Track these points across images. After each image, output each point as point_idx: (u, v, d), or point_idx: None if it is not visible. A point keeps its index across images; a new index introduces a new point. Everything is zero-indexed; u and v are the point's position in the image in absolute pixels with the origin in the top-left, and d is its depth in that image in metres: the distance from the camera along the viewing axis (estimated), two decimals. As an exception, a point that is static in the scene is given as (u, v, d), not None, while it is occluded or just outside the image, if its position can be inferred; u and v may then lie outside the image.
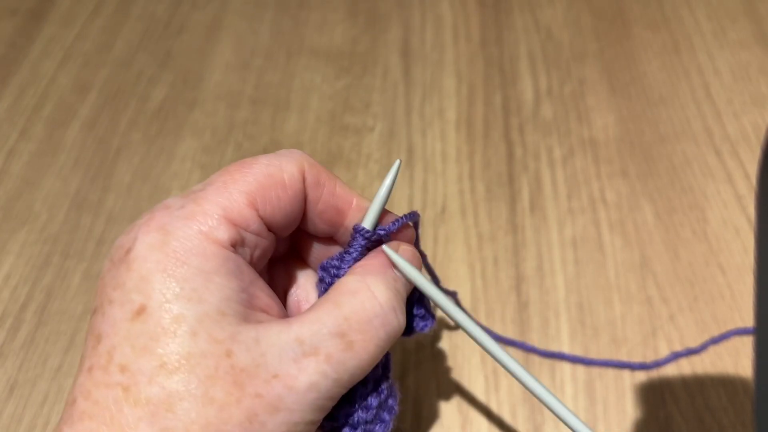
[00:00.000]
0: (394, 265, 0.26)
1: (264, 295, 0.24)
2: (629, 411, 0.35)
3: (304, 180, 0.25)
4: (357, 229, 0.26)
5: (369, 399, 0.25)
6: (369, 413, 0.25)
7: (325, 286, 0.26)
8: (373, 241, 0.26)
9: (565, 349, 0.38)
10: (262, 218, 0.24)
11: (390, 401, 0.26)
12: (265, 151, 0.48)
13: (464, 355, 0.38)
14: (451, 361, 0.38)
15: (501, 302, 0.40)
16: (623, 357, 0.37)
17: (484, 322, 0.39)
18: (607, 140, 0.48)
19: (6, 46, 0.57)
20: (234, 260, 0.22)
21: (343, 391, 0.23)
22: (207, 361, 0.21)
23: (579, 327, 0.39)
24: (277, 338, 0.22)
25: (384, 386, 0.26)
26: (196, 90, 0.53)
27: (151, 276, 0.21)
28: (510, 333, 0.38)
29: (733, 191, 0.44)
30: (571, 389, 0.36)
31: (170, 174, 0.47)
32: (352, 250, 0.26)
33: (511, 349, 0.38)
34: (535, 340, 0.38)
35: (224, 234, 0.22)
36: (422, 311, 0.28)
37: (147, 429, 0.20)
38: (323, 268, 0.27)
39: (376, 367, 0.26)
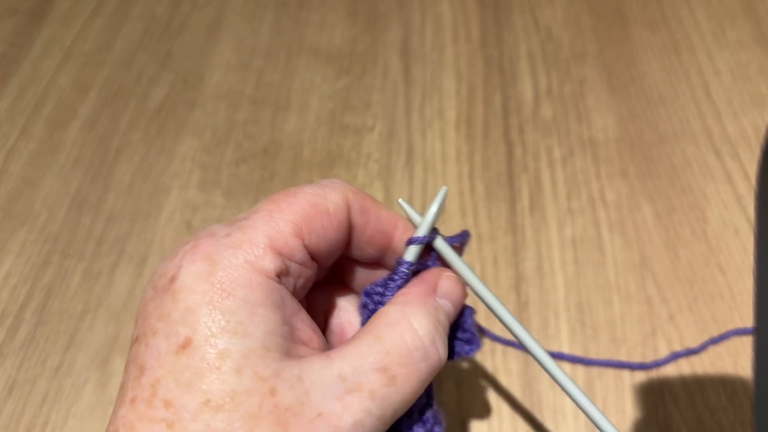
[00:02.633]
0: (447, 265, 0.27)
1: (306, 326, 0.23)
2: (629, 411, 0.35)
3: (348, 209, 0.25)
4: (399, 262, 0.26)
5: (414, 429, 0.25)
6: None
7: (368, 312, 0.26)
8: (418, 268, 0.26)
9: (565, 349, 0.38)
10: (306, 248, 0.23)
11: (436, 429, 0.26)
12: (266, 150, 0.48)
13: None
14: (450, 361, 0.37)
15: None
16: (623, 357, 0.37)
17: (483, 323, 0.39)
18: (607, 140, 0.48)
19: (6, 46, 0.57)
20: (279, 291, 0.22)
21: (387, 427, 0.23)
22: (252, 399, 0.20)
23: (579, 327, 0.39)
24: (319, 375, 0.21)
25: (429, 415, 0.26)
26: (196, 90, 0.53)
27: (197, 308, 0.21)
28: (509, 332, 0.38)
29: (732, 191, 0.44)
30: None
31: (170, 174, 0.47)
32: (396, 277, 0.26)
33: (512, 350, 0.38)
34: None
35: (270, 264, 0.22)
36: (467, 335, 0.28)
37: None
38: (367, 294, 0.26)
39: (420, 396, 0.25)
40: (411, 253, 0.26)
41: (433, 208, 0.27)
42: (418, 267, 0.26)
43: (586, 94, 0.51)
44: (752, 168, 0.45)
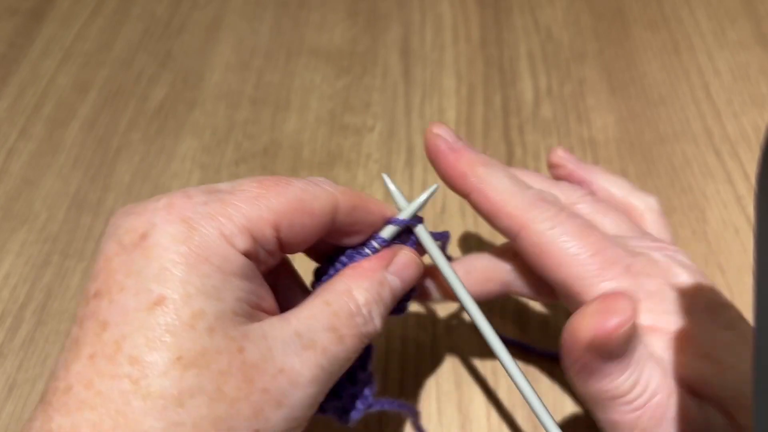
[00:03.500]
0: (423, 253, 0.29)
1: (269, 297, 0.25)
2: (629, 411, 0.35)
3: (334, 212, 0.25)
4: (373, 236, 0.28)
5: (344, 387, 0.27)
6: (343, 400, 0.27)
7: (327, 278, 0.27)
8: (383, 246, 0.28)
9: (565, 349, 0.38)
10: (280, 240, 0.24)
11: (366, 390, 0.28)
12: (266, 150, 0.48)
13: (464, 355, 0.38)
14: (450, 361, 0.38)
15: (501, 302, 0.40)
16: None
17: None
18: (607, 140, 0.48)
19: (6, 46, 0.57)
20: (248, 265, 0.23)
21: (333, 383, 0.25)
22: (221, 357, 0.21)
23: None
24: (280, 333, 0.23)
25: (361, 376, 0.28)
26: (196, 90, 0.53)
27: (173, 268, 0.21)
28: (510, 333, 0.38)
29: (732, 191, 0.44)
30: (571, 389, 0.36)
31: (170, 174, 0.47)
32: (365, 250, 0.28)
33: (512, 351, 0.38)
34: (534, 341, 0.38)
35: (242, 243, 0.22)
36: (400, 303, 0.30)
37: (154, 423, 0.19)
38: (330, 261, 0.28)
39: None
40: (387, 232, 0.28)
41: (422, 197, 0.28)
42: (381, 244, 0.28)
43: (586, 94, 0.51)
44: (752, 168, 0.45)
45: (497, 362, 0.37)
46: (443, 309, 0.39)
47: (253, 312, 0.23)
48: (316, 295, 0.25)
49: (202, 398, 0.20)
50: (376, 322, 0.26)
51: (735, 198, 0.44)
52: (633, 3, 0.58)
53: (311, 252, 0.29)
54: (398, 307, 0.29)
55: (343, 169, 0.47)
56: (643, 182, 0.45)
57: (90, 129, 0.50)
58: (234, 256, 0.22)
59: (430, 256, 0.29)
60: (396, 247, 0.28)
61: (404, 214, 0.28)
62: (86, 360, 0.20)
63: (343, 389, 0.27)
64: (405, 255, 0.28)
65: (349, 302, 0.25)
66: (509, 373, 0.27)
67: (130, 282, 0.21)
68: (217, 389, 0.20)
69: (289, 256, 0.28)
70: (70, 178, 0.47)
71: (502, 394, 0.36)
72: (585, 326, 0.23)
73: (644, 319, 0.26)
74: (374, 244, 0.28)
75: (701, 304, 0.27)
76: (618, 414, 0.24)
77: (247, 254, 0.23)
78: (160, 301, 0.20)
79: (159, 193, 0.47)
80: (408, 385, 0.37)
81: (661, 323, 0.26)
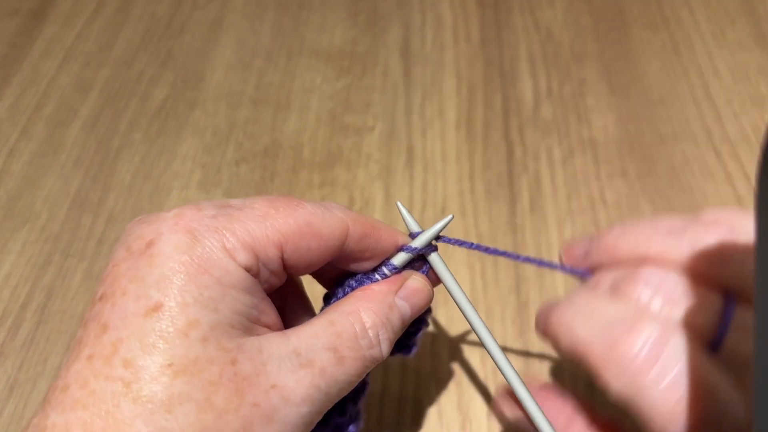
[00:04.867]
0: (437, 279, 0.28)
1: (271, 312, 0.24)
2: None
3: (345, 238, 0.25)
4: (384, 262, 0.27)
5: (333, 416, 0.26)
6: (328, 429, 0.27)
7: (335, 300, 0.27)
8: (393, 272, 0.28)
9: (565, 348, 0.38)
10: (284, 261, 0.24)
11: (351, 427, 0.27)
12: (266, 150, 0.48)
13: (463, 356, 0.38)
14: (450, 361, 0.38)
15: (501, 302, 0.40)
16: (622, 357, 0.37)
17: (483, 322, 0.39)
18: (607, 141, 0.48)
19: (7, 46, 0.57)
20: (250, 280, 0.23)
21: (330, 405, 0.24)
22: (213, 367, 0.21)
23: (578, 327, 0.39)
24: (277, 349, 0.23)
25: (351, 410, 0.27)
26: (196, 90, 0.53)
27: (173, 276, 0.21)
28: (509, 333, 0.39)
29: (732, 192, 0.44)
30: (571, 389, 0.36)
31: (171, 174, 0.47)
32: (375, 276, 0.27)
33: (513, 352, 0.38)
34: (534, 340, 0.38)
35: (243, 259, 0.23)
36: (409, 341, 0.29)
37: (142, 427, 0.20)
38: (341, 285, 0.27)
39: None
40: (398, 259, 0.27)
41: (436, 226, 0.28)
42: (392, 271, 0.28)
43: (586, 95, 0.51)
44: (752, 168, 0.45)
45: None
46: (443, 309, 0.39)
47: (251, 326, 0.23)
48: (321, 314, 0.25)
49: (190, 406, 0.20)
50: (383, 347, 0.25)
51: (735, 198, 0.44)
52: (633, 4, 0.58)
53: (320, 277, 0.29)
54: (407, 343, 0.29)
55: (344, 170, 0.47)
56: (642, 182, 0.45)
57: (91, 129, 0.50)
58: (235, 269, 0.22)
59: (445, 286, 0.28)
60: (407, 272, 0.28)
61: (417, 243, 0.28)
62: (85, 360, 0.21)
63: (330, 418, 0.26)
64: (416, 281, 0.27)
65: (355, 324, 0.24)
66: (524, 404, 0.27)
67: (133, 287, 0.21)
68: (207, 399, 0.20)
69: (301, 278, 0.28)
70: (71, 178, 0.47)
71: (502, 394, 0.36)
72: None
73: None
74: (385, 270, 0.27)
75: None
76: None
77: (248, 270, 0.23)
78: (157, 308, 0.21)
79: (159, 193, 0.48)
80: (408, 385, 0.37)
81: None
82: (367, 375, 0.27)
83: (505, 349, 0.38)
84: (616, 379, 0.24)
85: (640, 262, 0.27)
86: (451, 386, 0.37)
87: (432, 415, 0.36)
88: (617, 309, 0.25)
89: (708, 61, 0.53)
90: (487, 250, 0.30)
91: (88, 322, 0.22)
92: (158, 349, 0.20)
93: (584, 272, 0.30)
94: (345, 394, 0.24)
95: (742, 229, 0.25)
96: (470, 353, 0.38)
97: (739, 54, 0.53)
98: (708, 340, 0.25)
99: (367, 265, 0.27)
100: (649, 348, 0.23)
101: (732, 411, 0.23)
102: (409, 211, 0.29)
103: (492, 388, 0.37)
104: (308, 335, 0.23)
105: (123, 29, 0.58)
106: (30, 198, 0.46)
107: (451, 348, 0.38)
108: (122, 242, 0.23)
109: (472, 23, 0.57)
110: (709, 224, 0.26)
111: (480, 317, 0.28)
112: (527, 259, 0.31)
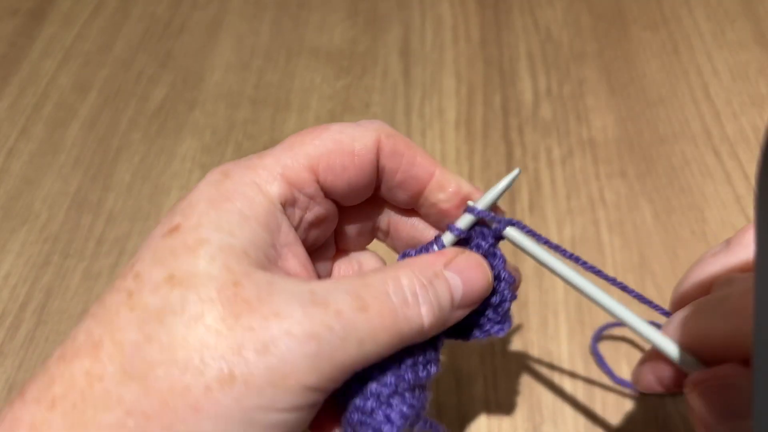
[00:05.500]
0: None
1: (296, 261, 0.23)
2: (628, 412, 0.35)
3: (378, 151, 0.25)
4: (450, 227, 0.26)
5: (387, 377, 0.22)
6: (372, 399, 0.22)
7: None
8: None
9: (564, 348, 0.38)
10: (321, 183, 0.24)
11: (408, 397, 0.22)
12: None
13: (463, 355, 0.38)
14: (449, 361, 0.38)
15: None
16: (623, 357, 0.37)
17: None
18: (606, 140, 0.48)
19: (6, 46, 0.57)
20: (278, 217, 0.23)
21: (349, 366, 0.21)
22: (212, 283, 0.20)
23: (578, 327, 0.39)
24: (290, 285, 0.21)
25: (407, 374, 0.23)
26: (196, 90, 0.53)
27: (197, 203, 0.22)
28: (509, 332, 0.38)
29: (732, 192, 0.44)
30: (570, 389, 0.36)
31: (170, 174, 0.47)
32: (435, 246, 0.25)
33: (512, 350, 0.38)
34: (533, 340, 0.38)
35: (277, 190, 0.23)
36: (498, 317, 0.26)
37: (132, 334, 0.20)
38: (401, 256, 0.26)
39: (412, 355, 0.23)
40: (463, 221, 0.25)
41: (501, 184, 0.25)
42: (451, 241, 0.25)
43: (585, 95, 0.51)
44: (751, 168, 0.45)
45: (497, 362, 0.37)
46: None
47: (268, 264, 0.22)
48: (356, 272, 0.25)
49: (180, 318, 0.20)
50: (422, 311, 0.22)
51: (734, 198, 0.44)
52: (632, 3, 0.58)
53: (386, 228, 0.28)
54: (495, 320, 0.26)
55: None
56: (642, 182, 0.45)
57: (90, 129, 0.50)
58: (260, 203, 0.22)
59: (535, 258, 0.26)
60: (460, 249, 0.25)
61: (481, 203, 0.25)
62: (111, 284, 0.22)
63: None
64: (470, 255, 0.25)
65: (389, 280, 0.22)
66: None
67: (166, 217, 0.23)
68: (199, 313, 0.20)
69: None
70: (70, 178, 0.47)
71: (502, 394, 0.36)
72: None
73: None
74: (444, 240, 0.25)
75: None
76: None
77: (284, 202, 0.23)
78: (175, 228, 0.22)
79: (159, 193, 0.48)
80: (407, 385, 0.37)
81: None
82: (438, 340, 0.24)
83: (505, 349, 0.38)
84: None
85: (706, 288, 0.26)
86: (451, 386, 0.37)
87: (431, 414, 0.36)
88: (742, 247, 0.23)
89: (707, 60, 0.53)
90: (565, 253, 0.27)
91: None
92: (165, 263, 0.21)
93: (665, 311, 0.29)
94: (371, 357, 0.21)
95: None
96: (469, 354, 0.38)
97: (738, 54, 0.53)
98: None
99: (402, 194, 0.26)
100: None
101: None
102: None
103: (492, 388, 0.37)
104: (331, 282, 0.22)
105: (122, 29, 0.58)
106: (29, 198, 0.46)
107: (451, 348, 0.38)
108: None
109: (472, 23, 0.57)
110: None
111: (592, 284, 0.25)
112: (613, 281, 0.28)
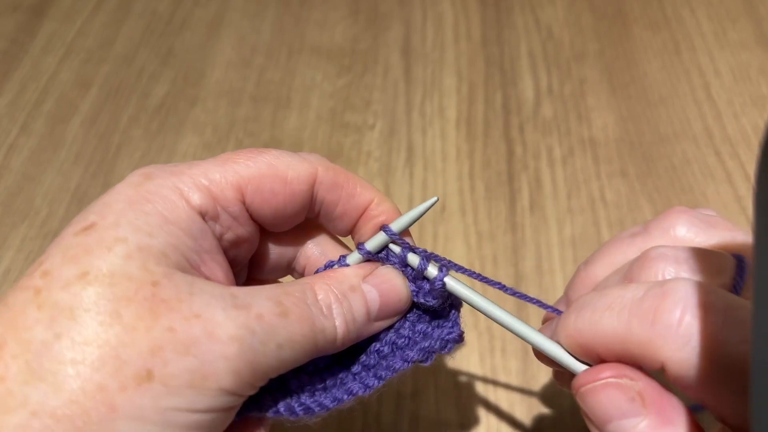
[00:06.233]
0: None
1: (219, 269, 0.23)
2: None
3: (317, 184, 0.25)
4: (359, 246, 0.26)
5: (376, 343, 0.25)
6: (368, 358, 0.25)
7: None
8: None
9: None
10: (248, 205, 0.24)
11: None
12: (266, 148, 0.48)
13: (462, 354, 0.38)
14: (449, 360, 0.38)
15: (500, 301, 0.40)
16: (621, 356, 0.37)
17: (482, 321, 0.39)
18: (607, 140, 0.48)
19: (7, 42, 0.57)
20: (200, 225, 0.22)
21: (266, 371, 0.21)
22: (130, 283, 0.20)
23: (577, 326, 0.39)
24: (211, 287, 0.21)
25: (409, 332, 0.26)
26: (197, 87, 0.53)
27: (115, 203, 0.21)
28: (509, 333, 0.38)
29: (732, 192, 0.44)
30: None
31: (170, 170, 0.47)
32: (343, 260, 0.26)
33: (511, 349, 0.38)
34: (533, 339, 0.38)
35: (198, 199, 0.22)
36: (447, 333, 0.28)
37: (41, 333, 0.19)
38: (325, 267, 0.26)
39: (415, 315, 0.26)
40: (372, 243, 0.26)
41: (418, 209, 0.26)
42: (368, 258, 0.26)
43: (586, 94, 0.51)
44: (752, 169, 0.45)
45: (497, 362, 0.37)
46: (442, 307, 0.39)
47: (189, 268, 0.22)
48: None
49: (94, 316, 0.19)
50: (336, 322, 0.23)
51: (735, 198, 0.44)
52: (634, 3, 0.58)
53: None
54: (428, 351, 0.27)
55: (344, 167, 0.47)
56: (642, 182, 0.45)
57: (91, 125, 0.50)
58: (183, 208, 0.22)
59: (470, 303, 0.27)
60: (378, 263, 0.26)
61: (396, 225, 0.25)
62: (15, 284, 0.21)
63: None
64: (387, 269, 0.25)
65: (306, 290, 0.23)
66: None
67: (78, 217, 0.22)
68: (114, 311, 0.19)
69: None
70: (70, 174, 0.47)
71: (501, 394, 0.36)
72: None
73: None
74: (359, 255, 0.25)
75: None
76: None
77: (204, 213, 0.23)
78: (89, 227, 0.21)
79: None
80: (406, 384, 0.37)
81: None
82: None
83: (504, 348, 0.38)
84: (678, 351, 0.19)
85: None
86: (450, 385, 0.37)
87: (431, 414, 0.36)
88: (637, 287, 0.21)
89: (709, 60, 0.53)
90: (486, 281, 0.28)
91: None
92: (77, 260, 0.20)
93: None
94: (288, 362, 0.22)
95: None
96: (469, 353, 0.38)
97: (740, 54, 0.53)
98: None
99: (341, 224, 0.26)
100: (691, 306, 0.20)
101: None
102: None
103: (491, 388, 0.37)
104: (251, 287, 0.22)
105: (123, 26, 0.58)
106: (29, 194, 0.46)
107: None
108: None
109: (473, 22, 0.57)
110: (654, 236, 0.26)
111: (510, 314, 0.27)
112: (520, 296, 0.29)
